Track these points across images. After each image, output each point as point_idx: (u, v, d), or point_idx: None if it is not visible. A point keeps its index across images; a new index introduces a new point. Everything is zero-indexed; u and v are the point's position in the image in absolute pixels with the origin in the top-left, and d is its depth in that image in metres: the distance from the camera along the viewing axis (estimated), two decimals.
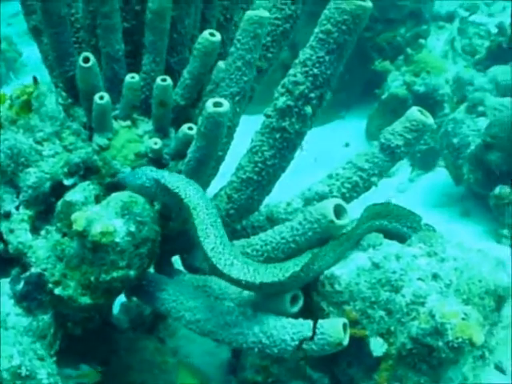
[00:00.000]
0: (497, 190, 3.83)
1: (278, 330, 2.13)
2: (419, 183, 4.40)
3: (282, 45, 2.66)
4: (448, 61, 5.04)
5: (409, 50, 5.11)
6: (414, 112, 2.45)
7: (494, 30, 5.14)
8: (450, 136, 4.15)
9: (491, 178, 3.98)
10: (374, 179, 2.52)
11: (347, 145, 5.15)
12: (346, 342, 2.07)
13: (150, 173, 2.29)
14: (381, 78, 5.37)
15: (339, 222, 2.20)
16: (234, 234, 2.55)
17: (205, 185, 2.52)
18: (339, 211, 2.22)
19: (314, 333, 2.02)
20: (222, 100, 2.22)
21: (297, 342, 2.05)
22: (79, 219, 2.17)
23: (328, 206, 2.21)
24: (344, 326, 2.07)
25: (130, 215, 2.22)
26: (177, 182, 2.24)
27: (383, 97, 5.10)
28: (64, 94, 2.52)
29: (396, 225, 2.49)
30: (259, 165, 2.42)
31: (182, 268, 2.67)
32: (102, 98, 2.32)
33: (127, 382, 2.69)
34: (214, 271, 2.14)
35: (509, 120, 3.84)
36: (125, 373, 2.72)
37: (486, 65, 4.82)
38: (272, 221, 2.58)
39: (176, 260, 2.71)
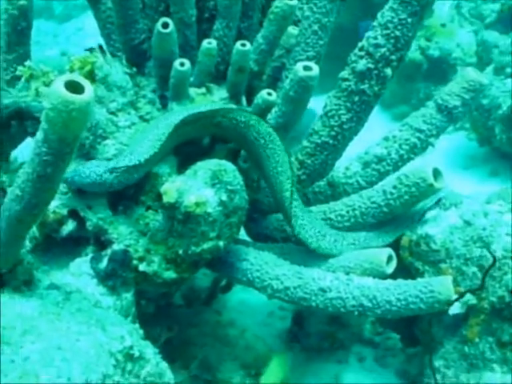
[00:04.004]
0: None
1: (381, 292, 2.13)
2: (440, 146, 4.42)
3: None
4: (454, 25, 5.09)
5: None
6: (471, 72, 2.48)
7: None
8: (479, 98, 4.20)
9: None
10: (431, 140, 2.55)
11: None
12: (453, 299, 2.09)
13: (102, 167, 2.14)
14: None
15: (438, 185, 2.22)
16: None
17: None
18: (434, 175, 2.23)
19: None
20: (311, 64, 2.19)
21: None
22: (170, 191, 2.08)
23: (427, 170, 2.22)
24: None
25: (221, 184, 2.12)
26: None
27: None
28: (125, 63, 2.41)
29: None
30: (335, 129, 2.40)
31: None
32: (182, 64, 2.24)
33: (189, 358, 2.64)
34: None
35: None
36: (186, 348, 2.65)
37: (497, 28, 4.88)
38: (332, 186, 2.56)
39: None
